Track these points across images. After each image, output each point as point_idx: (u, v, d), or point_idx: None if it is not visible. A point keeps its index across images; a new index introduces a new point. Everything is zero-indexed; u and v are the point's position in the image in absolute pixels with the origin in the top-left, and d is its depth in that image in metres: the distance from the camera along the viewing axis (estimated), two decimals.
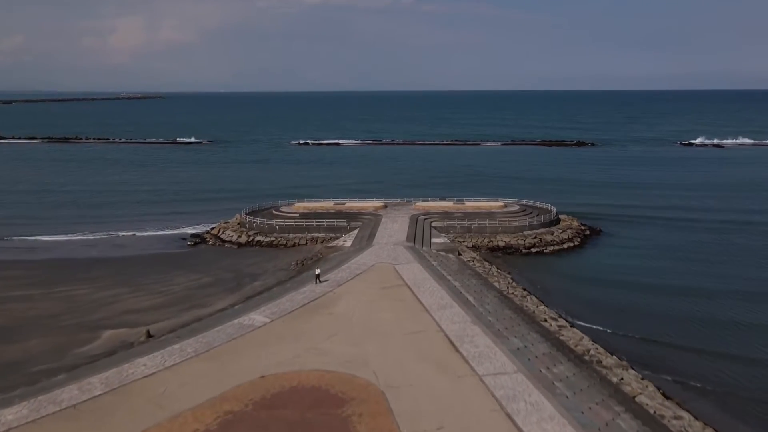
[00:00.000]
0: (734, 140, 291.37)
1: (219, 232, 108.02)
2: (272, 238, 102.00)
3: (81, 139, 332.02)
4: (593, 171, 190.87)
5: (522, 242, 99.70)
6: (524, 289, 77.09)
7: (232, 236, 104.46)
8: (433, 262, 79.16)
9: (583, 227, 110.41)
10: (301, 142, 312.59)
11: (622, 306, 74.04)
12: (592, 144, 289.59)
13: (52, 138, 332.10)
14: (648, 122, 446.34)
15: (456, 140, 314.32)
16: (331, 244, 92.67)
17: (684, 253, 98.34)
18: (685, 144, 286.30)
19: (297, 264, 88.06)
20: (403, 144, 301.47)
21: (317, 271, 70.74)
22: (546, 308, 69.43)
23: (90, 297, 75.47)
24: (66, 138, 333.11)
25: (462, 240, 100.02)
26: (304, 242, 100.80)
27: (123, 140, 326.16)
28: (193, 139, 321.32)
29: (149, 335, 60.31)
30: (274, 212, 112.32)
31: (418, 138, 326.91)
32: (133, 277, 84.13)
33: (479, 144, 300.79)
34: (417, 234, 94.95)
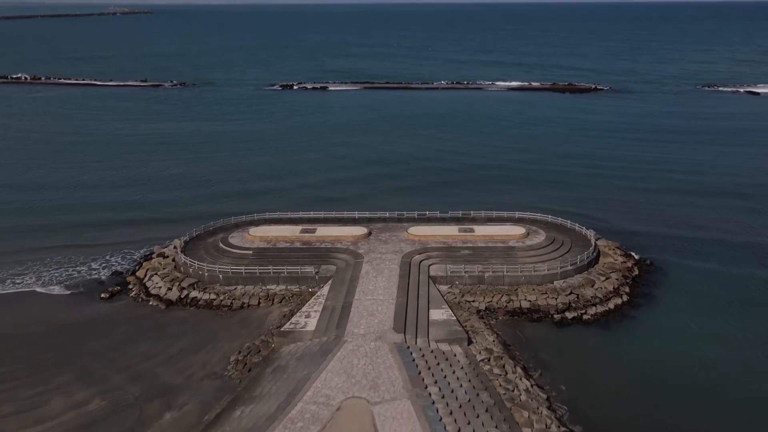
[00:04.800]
0: None
1: (146, 275, 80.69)
2: (213, 295, 74.73)
3: (40, 79, 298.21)
4: (617, 142, 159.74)
5: (553, 302, 72.89)
6: None
7: (160, 287, 77.20)
8: (433, 389, 52.41)
9: (628, 264, 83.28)
10: (283, 84, 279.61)
11: None
12: (610, 89, 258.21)
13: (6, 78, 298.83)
14: (658, 54, 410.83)
15: (457, 83, 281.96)
16: (288, 325, 65.30)
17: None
18: (709, 89, 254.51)
19: (237, 362, 61.37)
20: (397, 88, 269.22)
21: None
22: None
23: None
24: (16, 79, 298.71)
25: (471, 299, 73.20)
26: (256, 302, 73.75)
27: (86, 80, 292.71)
28: (162, 83, 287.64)
29: None
30: (221, 245, 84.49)
31: (413, 79, 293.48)
32: None
33: (481, 88, 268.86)
34: (410, 304, 67.70)
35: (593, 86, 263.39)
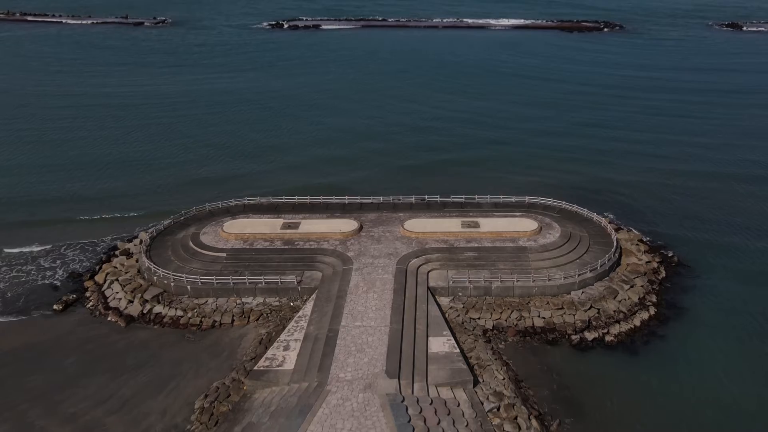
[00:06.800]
0: None
1: (105, 282, 70.67)
2: (179, 311, 64.99)
3: (14, 15, 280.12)
4: (635, 104, 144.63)
5: (571, 319, 63.56)
6: None
7: (119, 299, 67.44)
8: None
9: (654, 265, 73.72)
10: (272, 23, 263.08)
11: None
12: (620, 27, 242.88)
13: None
14: None
15: (458, 19, 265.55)
16: (263, 362, 55.60)
17: None
18: (730, 28, 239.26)
19: (202, 410, 52.06)
20: (394, 26, 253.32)
21: None
22: None
23: None
24: None
25: (477, 315, 63.80)
26: (230, 319, 64.16)
27: (62, 18, 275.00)
28: (143, 20, 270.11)
29: None
30: (191, 244, 74.09)
31: (409, 15, 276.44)
32: None
33: (483, 27, 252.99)
34: (405, 331, 58.03)
35: (602, 25, 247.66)
